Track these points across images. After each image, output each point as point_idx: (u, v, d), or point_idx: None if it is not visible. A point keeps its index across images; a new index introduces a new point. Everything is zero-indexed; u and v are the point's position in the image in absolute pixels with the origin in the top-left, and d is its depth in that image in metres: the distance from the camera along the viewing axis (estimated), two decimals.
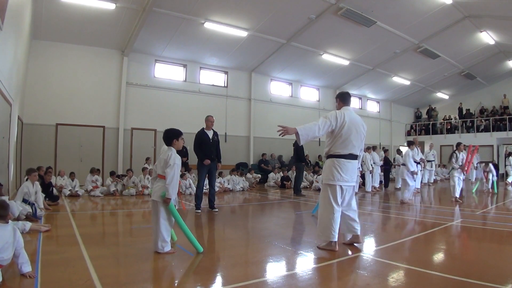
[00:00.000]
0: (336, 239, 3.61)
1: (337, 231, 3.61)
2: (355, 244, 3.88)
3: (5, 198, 4.88)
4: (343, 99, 3.97)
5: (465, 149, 8.34)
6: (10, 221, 2.86)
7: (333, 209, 3.64)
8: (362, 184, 11.12)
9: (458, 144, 8.36)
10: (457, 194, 7.96)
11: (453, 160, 8.13)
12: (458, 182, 7.97)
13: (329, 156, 3.77)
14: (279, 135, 3.52)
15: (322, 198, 3.80)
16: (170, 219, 3.58)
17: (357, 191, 9.56)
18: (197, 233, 5.11)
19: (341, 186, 3.66)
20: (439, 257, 3.69)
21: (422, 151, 12.05)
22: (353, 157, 3.74)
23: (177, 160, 3.61)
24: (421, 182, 11.22)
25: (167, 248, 3.52)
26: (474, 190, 10.59)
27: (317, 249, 3.70)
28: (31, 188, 5.46)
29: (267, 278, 2.92)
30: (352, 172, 3.73)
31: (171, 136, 3.78)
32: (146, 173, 9.44)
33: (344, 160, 3.67)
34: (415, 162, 10.51)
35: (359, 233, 3.87)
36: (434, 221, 5.63)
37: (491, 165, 10.22)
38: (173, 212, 3.51)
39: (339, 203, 3.69)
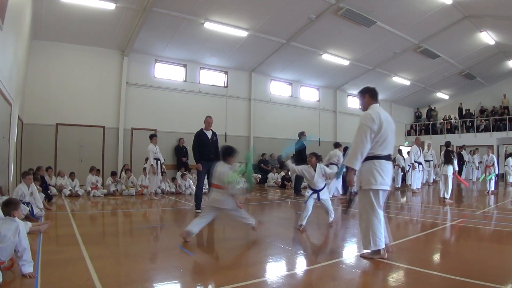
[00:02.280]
0: (383, 245, 3.29)
1: (382, 237, 3.29)
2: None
3: (5, 198, 4.89)
4: (372, 95, 3.51)
5: (464, 149, 8.32)
6: (17, 219, 2.89)
7: (379, 215, 3.30)
8: None
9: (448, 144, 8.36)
10: (448, 195, 7.92)
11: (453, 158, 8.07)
12: (450, 182, 7.92)
13: (368, 158, 3.34)
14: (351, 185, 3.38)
15: (364, 205, 3.37)
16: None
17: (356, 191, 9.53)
18: (197, 233, 5.11)
19: (383, 190, 3.32)
20: (439, 257, 3.69)
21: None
22: (390, 158, 3.43)
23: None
24: (421, 182, 11.24)
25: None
26: (487, 178, 10.49)
27: (317, 249, 3.68)
28: (25, 190, 5.45)
29: (267, 278, 2.92)
30: (390, 174, 3.41)
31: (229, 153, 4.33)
32: (146, 173, 9.42)
33: (384, 162, 3.32)
34: (416, 162, 10.57)
35: (387, 242, 3.42)
36: (434, 221, 5.63)
37: (492, 156, 10.20)
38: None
39: (382, 207, 3.35)
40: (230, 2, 9.60)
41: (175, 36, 10.73)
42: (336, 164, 9.78)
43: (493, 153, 16.95)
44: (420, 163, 10.70)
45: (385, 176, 3.30)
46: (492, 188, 9.95)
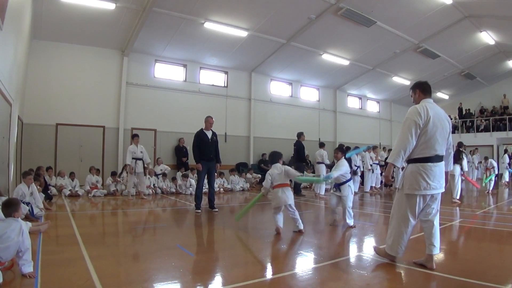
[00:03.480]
0: (401, 255, 3.19)
1: (405, 247, 3.16)
2: (426, 266, 3.12)
3: (4, 198, 4.89)
4: (423, 89, 3.27)
5: (464, 150, 8.33)
6: (20, 219, 2.90)
7: (408, 223, 3.10)
8: (361, 184, 11.13)
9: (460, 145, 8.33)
10: (458, 195, 7.94)
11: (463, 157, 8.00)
12: (459, 182, 7.95)
13: (411, 160, 3.12)
14: (389, 182, 3.28)
15: (397, 207, 3.21)
16: None
17: (356, 190, 9.57)
18: (197, 233, 5.11)
19: (424, 195, 3.09)
20: (439, 257, 3.68)
21: None
22: (440, 158, 3.12)
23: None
24: None
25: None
26: (486, 181, 10.52)
27: (317, 249, 3.68)
28: (26, 190, 5.46)
29: (267, 278, 2.92)
30: (440, 177, 3.12)
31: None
32: (146, 174, 9.42)
33: (430, 165, 3.05)
34: None
35: (433, 253, 3.13)
36: None
37: (491, 161, 10.24)
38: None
39: (416, 215, 3.13)
40: (230, 2, 9.59)
41: (175, 36, 10.73)
42: (322, 163, 9.87)
43: (492, 158, 17.00)
44: None
45: (430, 181, 3.04)
46: (491, 188, 9.98)
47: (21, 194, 5.35)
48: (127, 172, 9.60)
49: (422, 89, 3.27)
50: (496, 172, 10.33)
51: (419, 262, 3.18)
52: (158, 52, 11.70)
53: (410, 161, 3.15)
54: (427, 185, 3.04)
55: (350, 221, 4.98)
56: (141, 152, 8.56)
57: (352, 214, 5.07)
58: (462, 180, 8.31)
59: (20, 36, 7.01)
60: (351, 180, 5.29)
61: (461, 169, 8.01)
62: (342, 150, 5.51)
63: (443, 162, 3.17)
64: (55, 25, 9.38)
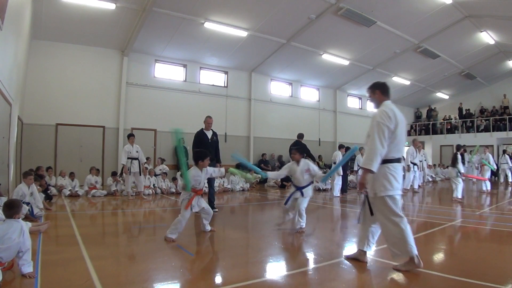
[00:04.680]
0: (416, 252, 2.98)
1: (413, 242, 3.00)
2: (359, 260, 3.28)
3: (4, 198, 4.89)
4: (384, 90, 3.25)
5: (465, 150, 8.38)
6: (21, 220, 2.91)
7: (402, 220, 3.01)
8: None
9: (459, 147, 8.47)
10: (459, 195, 8.02)
11: (457, 161, 8.13)
12: (460, 182, 8.01)
13: (382, 162, 3.05)
14: (361, 191, 3.10)
15: (384, 213, 3.06)
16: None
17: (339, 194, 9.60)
18: (197, 233, 5.11)
19: (399, 195, 3.09)
20: (439, 257, 3.69)
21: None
22: (401, 160, 3.18)
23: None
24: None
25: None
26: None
27: (317, 249, 3.68)
28: (26, 190, 5.46)
29: (267, 278, 2.92)
30: (401, 176, 3.15)
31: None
32: (146, 173, 9.43)
33: (398, 165, 3.09)
34: (412, 163, 10.71)
35: (369, 250, 3.28)
36: (434, 221, 5.63)
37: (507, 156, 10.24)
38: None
39: (401, 212, 3.08)
40: (230, 2, 9.59)
41: (175, 36, 10.73)
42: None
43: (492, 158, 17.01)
44: (415, 164, 10.88)
45: (400, 180, 3.09)
46: (488, 188, 9.94)
47: (21, 194, 5.35)
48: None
49: (382, 90, 3.25)
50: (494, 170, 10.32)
51: (352, 256, 3.32)
52: (158, 52, 11.70)
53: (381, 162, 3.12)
54: (398, 185, 3.07)
55: (303, 224, 4.67)
56: (137, 151, 8.54)
57: (305, 217, 4.76)
58: (463, 180, 8.40)
59: (20, 36, 7.01)
60: (312, 183, 4.95)
61: (458, 171, 8.11)
62: (301, 151, 5.15)
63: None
64: (55, 25, 9.38)
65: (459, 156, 8.15)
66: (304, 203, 4.69)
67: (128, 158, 8.35)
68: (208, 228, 4.68)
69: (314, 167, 4.85)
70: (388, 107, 3.13)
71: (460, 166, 8.15)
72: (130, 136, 8.67)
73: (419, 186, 12.42)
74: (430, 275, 2.93)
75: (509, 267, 3.26)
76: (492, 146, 18.17)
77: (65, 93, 10.24)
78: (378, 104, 3.25)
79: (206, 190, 7.39)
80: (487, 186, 10.08)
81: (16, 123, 7.64)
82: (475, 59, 15.03)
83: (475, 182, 10.30)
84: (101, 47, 10.81)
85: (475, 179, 9.64)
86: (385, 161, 3.06)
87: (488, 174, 11.35)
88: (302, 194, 4.70)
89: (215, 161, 6.72)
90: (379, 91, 3.25)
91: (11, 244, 2.71)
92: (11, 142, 6.79)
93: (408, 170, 10.58)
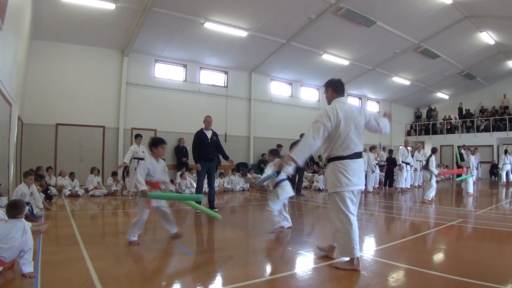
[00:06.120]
0: (358, 255, 3.04)
1: (358, 244, 3.04)
2: (327, 255, 3.39)
3: (4, 198, 4.89)
4: (336, 88, 3.32)
5: (434, 154, 8.35)
6: (24, 220, 2.92)
7: (349, 219, 3.04)
8: None
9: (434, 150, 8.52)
10: (430, 197, 7.92)
11: (430, 164, 8.14)
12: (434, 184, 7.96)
13: (330, 159, 3.19)
14: (277, 171, 3.17)
15: (332, 210, 3.19)
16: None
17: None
18: (197, 233, 5.11)
19: (351, 191, 3.11)
20: (439, 257, 3.69)
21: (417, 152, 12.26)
22: (358, 155, 3.17)
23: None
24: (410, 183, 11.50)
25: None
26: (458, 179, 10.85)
27: (317, 249, 3.67)
28: (26, 190, 5.46)
29: (267, 278, 2.92)
30: (359, 173, 3.18)
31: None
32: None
33: (348, 161, 3.10)
34: (404, 162, 10.87)
35: (335, 245, 3.30)
36: (434, 221, 5.63)
37: (472, 157, 10.12)
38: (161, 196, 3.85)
39: (353, 211, 3.11)
40: (230, 2, 9.59)
41: (175, 36, 10.73)
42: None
43: (492, 158, 16.98)
44: (408, 164, 10.97)
45: (351, 177, 3.08)
46: (471, 191, 9.63)
47: (21, 194, 5.35)
48: (126, 173, 9.61)
49: (334, 88, 3.32)
50: (474, 173, 9.99)
51: (323, 248, 3.48)
52: (158, 52, 11.70)
53: (329, 160, 3.22)
54: (348, 181, 3.08)
55: (278, 224, 4.65)
56: (143, 152, 8.59)
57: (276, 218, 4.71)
58: (438, 181, 8.36)
59: (20, 36, 7.01)
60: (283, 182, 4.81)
61: (433, 174, 8.03)
62: (274, 152, 5.21)
63: (362, 159, 3.26)
64: (55, 25, 9.37)
65: (433, 159, 8.13)
66: (275, 203, 4.65)
67: (134, 158, 8.42)
68: (174, 230, 4.21)
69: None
70: (334, 105, 3.19)
71: (433, 169, 8.11)
72: (138, 136, 8.72)
73: (419, 186, 12.48)
74: (430, 275, 2.93)
75: (509, 267, 3.27)
76: (492, 146, 18.20)
77: (65, 93, 10.23)
78: (329, 101, 3.33)
79: (206, 190, 7.40)
80: (471, 188, 9.81)
81: (16, 123, 7.64)
82: (475, 59, 15.03)
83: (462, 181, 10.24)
84: (101, 47, 10.81)
85: (451, 173, 9.62)
86: (333, 159, 3.16)
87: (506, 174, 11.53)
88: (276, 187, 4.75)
89: (216, 161, 6.74)
90: (331, 89, 3.33)
91: (14, 243, 2.72)
92: (11, 142, 6.79)
93: (401, 169, 10.76)
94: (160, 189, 4.12)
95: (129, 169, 8.49)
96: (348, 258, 3.08)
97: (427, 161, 8.25)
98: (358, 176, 3.15)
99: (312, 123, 3.12)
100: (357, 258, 3.02)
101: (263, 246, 4.05)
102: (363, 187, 3.23)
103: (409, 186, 11.04)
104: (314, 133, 3.04)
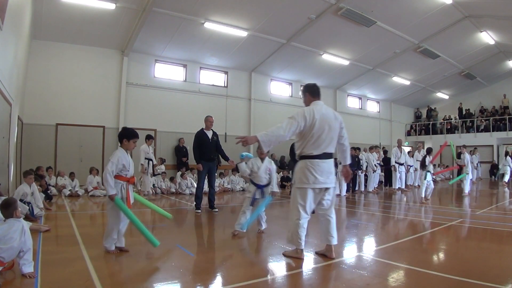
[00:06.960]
0: (303, 247, 3.31)
1: (303, 238, 3.30)
2: (326, 256, 3.41)
3: (3, 198, 4.89)
4: (312, 92, 3.53)
5: (430, 155, 8.38)
6: (23, 220, 2.91)
7: (299, 215, 3.28)
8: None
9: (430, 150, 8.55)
10: (423, 195, 7.96)
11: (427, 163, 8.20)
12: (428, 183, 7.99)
13: (301, 157, 3.37)
14: (238, 143, 3.12)
15: (292, 202, 3.41)
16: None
17: (345, 193, 9.63)
18: (197, 233, 5.12)
19: (314, 189, 3.29)
20: (439, 257, 3.69)
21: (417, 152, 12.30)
22: (328, 156, 3.35)
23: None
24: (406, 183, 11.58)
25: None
26: (452, 182, 11.12)
27: (318, 249, 3.67)
28: (27, 189, 5.46)
29: (267, 278, 2.92)
30: (328, 172, 3.33)
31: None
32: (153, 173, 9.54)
33: (318, 161, 3.28)
34: (397, 163, 10.95)
35: (332, 243, 3.39)
36: (434, 221, 5.63)
37: (466, 155, 10.04)
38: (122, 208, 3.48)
39: (308, 209, 3.30)
40: (230, 2, 9.59)
41: (175, 36, 10.73)
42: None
43: (492, 158, 16.95)
44: (401, 164, 11.02)
45: (318, 175, 3.26)
46: (467, 191, 9.49)
47: (23, 194, 5.35)
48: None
49: (311, 92, 3.52)
50: (469, 171, 9.91)
51: (321, 252, 3.48)
52: (158, 52, 11.70)
53: (300, 158, 3.38)
54: (315, 180, 3.26)
55: (264, 225, 4.68)
56: (152, 153, 8.84)
57: (265, 218, 4.75)
58: (437, 181, 8.41)
59: (20, 36, 7.01)
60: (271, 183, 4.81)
61: (428, 172, 8.09)
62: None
63: (331, 160, 3.40)
64: (55, 25, 9.37)
65: (427, 159, 8.17)
66: (263, 206, 4.57)
67: (145, 158, 8.62)
68: (121, 244, 3.66)
69: (273, 167, 4.87)
70: (312, 107, 3.38)
71: (429, 168, 8.15)
72: (150, 138, 8.87)
73: (419, 186, 12.48)
74: (430, 275, 2.93)
75: (509, 267, 3.26)
76: (492, 146, 18.20)
77: (65, 93, 10.23)
78: (307, 104, 3.52)
79: (207, 190, 7.40)
80: (467, 188, 9.75)
81: (16, 123, 7.64)
82: (475, 59, 15.03)
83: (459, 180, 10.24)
84: (101, 47, 10.81)
85: (443, 173, 9.69)
86: (304, 157, 3.34)
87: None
88: (262, 194, 4.65)
89: (216, 161, 6.74)
90: (308, 93, 3.54)
91: (12, 244, 2.70)
92: (11, 142, 6.79)
93: (394, 170, 10.85)
94: (134, 184, 4.02)
95: (141, 170, 8.60)
96: (294, 247, 3.36)
97: (423, 160, 8.31)
98: (326, 175, 3.32)
99: (288, 118, 3.29)
100: (302, 250, 3.32)
101: (263, 246, 4.05)
102: (330, 186, 3.38)
103: (403, 186, 11.10)
104: (286, 127, 3.20)
